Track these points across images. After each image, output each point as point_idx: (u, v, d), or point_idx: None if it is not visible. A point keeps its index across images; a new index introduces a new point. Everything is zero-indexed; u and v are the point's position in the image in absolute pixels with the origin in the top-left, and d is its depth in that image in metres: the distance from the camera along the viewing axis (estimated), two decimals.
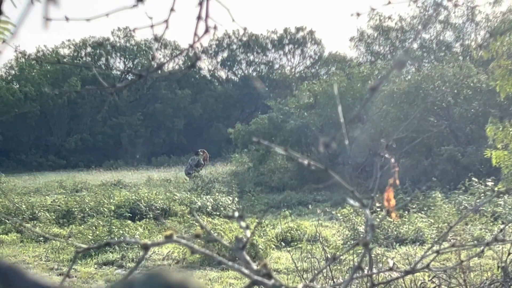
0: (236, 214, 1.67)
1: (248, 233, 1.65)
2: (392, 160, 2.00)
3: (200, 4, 1.78)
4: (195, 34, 1.77)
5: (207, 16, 1.77)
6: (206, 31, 1.77)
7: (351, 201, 1.61)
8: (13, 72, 60.64)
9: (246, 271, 1.44)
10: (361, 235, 15.57)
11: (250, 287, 1.53)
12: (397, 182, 1.99)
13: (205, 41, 1.87)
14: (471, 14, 51.32)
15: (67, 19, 1.81)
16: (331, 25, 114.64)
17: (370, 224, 1.55)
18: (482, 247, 2.32)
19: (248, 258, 1.51)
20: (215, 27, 1.76)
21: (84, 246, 1.73)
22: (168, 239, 1.53)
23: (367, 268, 2.06)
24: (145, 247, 1.57)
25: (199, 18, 1.76)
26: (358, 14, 3.31)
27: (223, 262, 1.51)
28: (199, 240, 1.66)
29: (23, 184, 34.21)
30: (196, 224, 18.72)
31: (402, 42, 53.18)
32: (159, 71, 1.82)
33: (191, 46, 1.83)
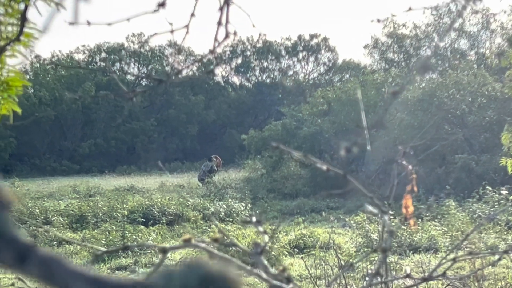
0: (254, 219, 1.68)
1: (266, 238, 1.65)
2: (410, 167, 2.00)
3: (221, 9, 1.79)
4: (216, 39, 1.78)
5: (227, 21, 1.77)
6: (226, 36, 1.78)
7: (370, 208, 1.61)
8: (28, 77, 60.88)
9: (265, 276, 1.44)
10: (375, 243, 15.53)
11: None
12: (415, 189, 1.99)
13: (220, 47, 1.88)
14: (486, 22, 51.20)
15: (88, 23, 1.82)
16: (345, 32, 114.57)
17: (389, 231, 1.55)
18: (499, 256, 2.31)
19: (266, 263, 1.52)
20: (235, 33, 1.77)
21: (103, 249, 1.74)
22: (187, 243, 1.54)
23: (383, 275, 2.06)
24: (164, 251, 1.57)
25: (219, 23, 1.77)
26: (378, 21, 3.31)
27: (242, 266, 1.52)
28: (214, 245, 1.67)
29: (36, 188, 34.33)
30: (209, 230, 18.74)
31: (417, 49, 53.09)
32: (180, 76, 1.83)
33: (212, 51, 1.84)
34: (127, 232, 17.54)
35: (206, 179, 32.76)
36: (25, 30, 2.21)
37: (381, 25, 53.54)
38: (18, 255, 0.74)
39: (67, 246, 16.88)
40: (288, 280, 1.38)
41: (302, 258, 14.05)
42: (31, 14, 2.12)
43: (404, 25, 53.53)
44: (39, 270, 0.72)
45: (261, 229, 1.65)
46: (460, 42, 52.23)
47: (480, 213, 19.24)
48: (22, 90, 2.74)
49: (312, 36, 68.34)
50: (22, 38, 2.23)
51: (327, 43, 68.53)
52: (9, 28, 2.39)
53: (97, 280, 0.70)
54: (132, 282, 0.70)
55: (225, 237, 1.71)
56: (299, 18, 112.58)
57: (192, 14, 1.90)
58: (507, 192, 19.02)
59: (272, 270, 1.47)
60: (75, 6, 1.20)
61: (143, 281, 0.70)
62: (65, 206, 23.00)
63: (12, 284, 3.79)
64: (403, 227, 15.71)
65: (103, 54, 64.16)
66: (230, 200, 25.05)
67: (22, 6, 2.21)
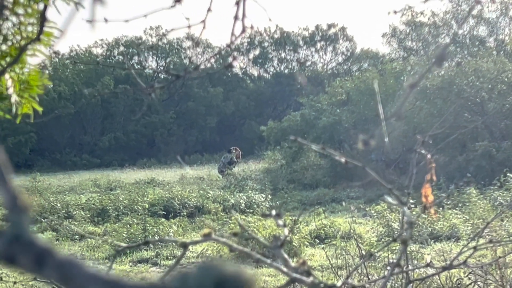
0: (273, 212, 1.68)
1: (286, 231, 1.65)
2: (428, 156, 1.99)
3: (237, 4, 1.79)
4: (232, 33, 1.78)
5: (243, 15, 1.78)
6: (243, 30, 1.78)
7: (389, 199, 1.61)
8: (47, 71, 61.03)
9: (285, 269, 1.45)
10: (396, 232, 15.49)
11: (289, 285, 1.54)
12: (434, 178, 1.99)
13: (237, 41, 1.88)
14: (505, 9, 50.83)
15: (106, 20, 1.83)
16: (363, 21, 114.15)
17: (409, 221, 1.55)
18: None
19: (286, 256, 1.52)
20: (251, 27, 1.77)
21: (124, 244, 1.76)
22: (207, 237, 1.54)
23: (404, 264, 2.06)
24: (184, 246, 1.58)
25: (236, 17, 1.78)
26: (395, 12, 3.30)
27: (261, 260, 1.52)
28: (234, 238, 1.68)
29: (58, 183, 34.53)
30: (230, 221, 18.76)
31: (435, 37, 52.79)
32: (199, 70, 1.83)
33: (229, 45, 1.84)
34: (148, 225, 17.60)
35: (226, 171, 32.81)
36: (45, 29, 2.22)
37: (399, 14, 53.25)
38: (36, 259, 0.75)
39: (89, 240, 16.96)
40: (308, 273, 1.39)
41: (323, 248, 14.06)
42: (50, 13, 2.13)
43: (422, 13, 53.25)
44: (56, 274, 0.73)
45: (280, 222, 1.65)
46: (479, 29, 51.88)
47: (501, 201, 19.13)
48: (43, 89, 2.77)
49: (330, 26, 68.15)
50: (42, 37, 2.25)
51: (345, 33, 68.33)
52: (29, 28, 2.41)
53: (114, 283, 0.71)
54: (148, 285, 0.71)
55: (245, 231, 1.72)
56: (316, 8, 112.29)
57: (209, 9, 1.90)
58: None
59: (292, 263, 1.47)
60: (92, 5, 1.21)
61: (158, 283, 0.71)
62: (86, 200, 23.12)
63: (35, 278, 3.83)
64: (423, 216, 15.66)
65: (121, 48, 64.30)
66: (250, 191, 25.07)
67: (41, 6, 2.22)
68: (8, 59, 2.49)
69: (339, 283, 1.48)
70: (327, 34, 67.96)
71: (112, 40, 64.31)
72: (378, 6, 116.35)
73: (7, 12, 2.26)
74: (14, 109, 2.66)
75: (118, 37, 64.60)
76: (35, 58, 2.65)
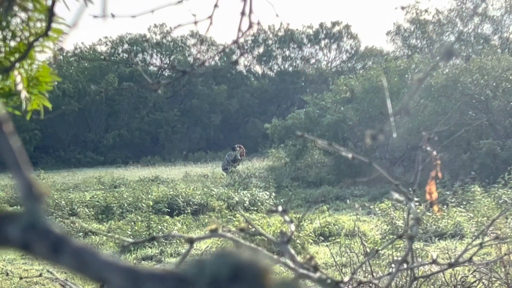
0: (280, 208, 1.68)
1: (293, 227, 1.66)
2: (434, 153, 1.99)
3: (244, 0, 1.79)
4: (239, 29, 1.78)
5: (250, 11, 1.78)
6: (250, 26, 1.78)
7: (396, 195, 1.61)
8: (51, 69, 61.03)
9: (292, 265, 1.45)
10: (400, 230, 15.48)
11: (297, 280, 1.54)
12: (439, 174, 1.98)
13: (244, 37, 1.88)
14: (510, 6, 50.74)
15: (113, 16, 1.83)
16: (367, 19, 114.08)
17: (415, 218, 1.55)
18: None
19: (293, 251, 1.52)
20: (258, 23, 1.77)
21: (130, 240, 1.76)
22: (214, 233, 1.55)
23: (409, 261, 2.06)
24: (191, 241, 1.59)
25: (243, 13, 1.77)
26: (402, 8, 3.29)
27: (268, 256, 1.52)
28: (240, 235, 1.67)
29: (62, 180, 34.55)
30: (234, 219, 18.77)
31: (440, 35, 52.72)
32: (203, 67, 1.84)
33: (236, 41, 1.84)
34: (152, 223, 17.62)
35: (230, 169, 32.82)
36: (53, 25, 2.22)
37: (404, 11, 53.22)
38: (52, 246, 0.75)
39: (93, 237, 16.98)
40: (315, 268, 1.39)
41: (327, 246, 14.07)
42: (59, 9, 2.13)
43: (426, 11, 53.20)
44: (72, 261, 0.74)
45: (287, 218, 1.65)
46: (484, 27, 51.82)
47: (506, 199, 19.10)
48: (51, 85, 2.77)
49: (334, 24, 68.12)
50: (50, 33, 2.25)
51: (349, 30, 68.30)
52: (38, 24, 2.41)
53: (131, 271, 0.71)
54: (164, 272, 0.71)
55: (251, 227, 1.72)
56: (320, 6, 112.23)
57: (216, 5, 1.91)
58: None
59: (299, 259, 1.47)
60: (103, 1, 1.21)
61: (174, 270, 0.72)
62: (90, 198, 23.13)
63: (40, 275, 3.83)
64: (428, 213, 15.67)
65: (126, 46, 64.36)
66: (254, 189, 25.07)
67: (49, 1, 2.23)
68: (17, 55, 2.49)
69: (346, 278, 1.48)
70: (331, 32, 67.95)
71: (117, 37, 64.45)
72: (383, 4, 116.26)
73: (16, 8, 2.27)
74: (24, 106, 2.66)
75: (122, 35, 64.74)
76: (43, 54, 2.66)
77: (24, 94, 2.58)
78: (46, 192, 0.79)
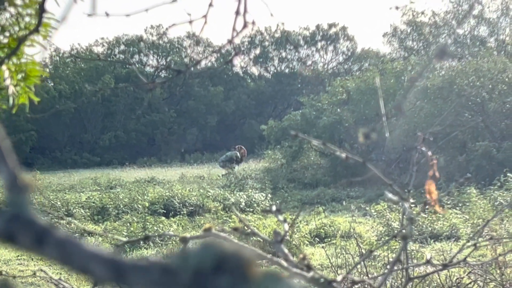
0: (274, 208, 1.68)
1: (286, 226, 1.66)
2: (429, 153, 1.99)
3: None
4: (234, 29, 1.78)
5: (245, 11, 1.78)
6: (245, 26, 1.78)
7: (390, 195, 1.61)
8: (48, 70, 61.12)
9: (285, 264, 1.45)
10: (396, 231, 15.48)
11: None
12: (437, 174, 1.98)
13: (238, 36, 1.88)
14: (506, 9, 50.81)
15: (107, 14, 1.83)
16: (363, 21, 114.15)
17: (409, 217, 1.55)
18: None
19: (286, 251, 1.52)
20: (253, 22, 1.77)
21: (124, 239, 1.76)
22: (207, 232, 1.55)
23: (404, 262, 2.06)
24: (184, 241, 1.59)
25: (237, 13, 1.77)
26: (397, 8, 3.30)
27: (262, 255, 1.52)
28: (235, 235, 1.68)
29: (58, 181, 34.51)
30: (230, 220, 18.77)
31: (436, 37, 52.76)
32: (198, 67, 1.83)
33: (230, 41, 1.84)
34: (148, 224, 17.62)
35: (227, 166, 32.94)
36: (44, 21, 2.22)
37: (400, 13, 53.29)
38: (36, 237, 0.75)
39: (88, 237, 16.96)
40: (309, 267, 1.39)
41: (323, 247, 14.05)
42: (49, 5, 2.13)
43: (422, 13, 53.23)
44: (56, 252, 0.74)
45: (281, 217, 1.65)
46: (480, 29, 51.86)
47: (501, 201, 19.12)
48: (40, 80, 2.77)
49: (331, 25, 68.17)
50: (40, 29, 2.25)
51: (346, 32, 68.33)
52: (28, 19, 2.41)
53: (115, 262, 0.71)
54: (148, 263, 0.71)
55: (246, 227, 1.72)
56: (317, 8, 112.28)
57: (210, 4, 1.90)
58: None
59: (293, 259, 1.47)
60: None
61: (158, 261, 0.72)
62: (86, 198, 23.11)
63: (34, 273, 3.83)
64: (424, 215, 15.68)
65: (122, 47, 64.35)
66: (250, 190, 25.09)
67: None
68: (6, 50, 2.49)
69: (339, 277, 1.48)
70: (327, 33, 67.97)
71: (113, 38, 64.42)
72: (379, 6, 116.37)
73: (6, 3, 2.27)
74: (11, 100, 2.65)
75: (118, 36, 64.71)
76: (33, 49, 2.65)
77: (12, 89, 2.58)
78: (31, 184, 0.79)
